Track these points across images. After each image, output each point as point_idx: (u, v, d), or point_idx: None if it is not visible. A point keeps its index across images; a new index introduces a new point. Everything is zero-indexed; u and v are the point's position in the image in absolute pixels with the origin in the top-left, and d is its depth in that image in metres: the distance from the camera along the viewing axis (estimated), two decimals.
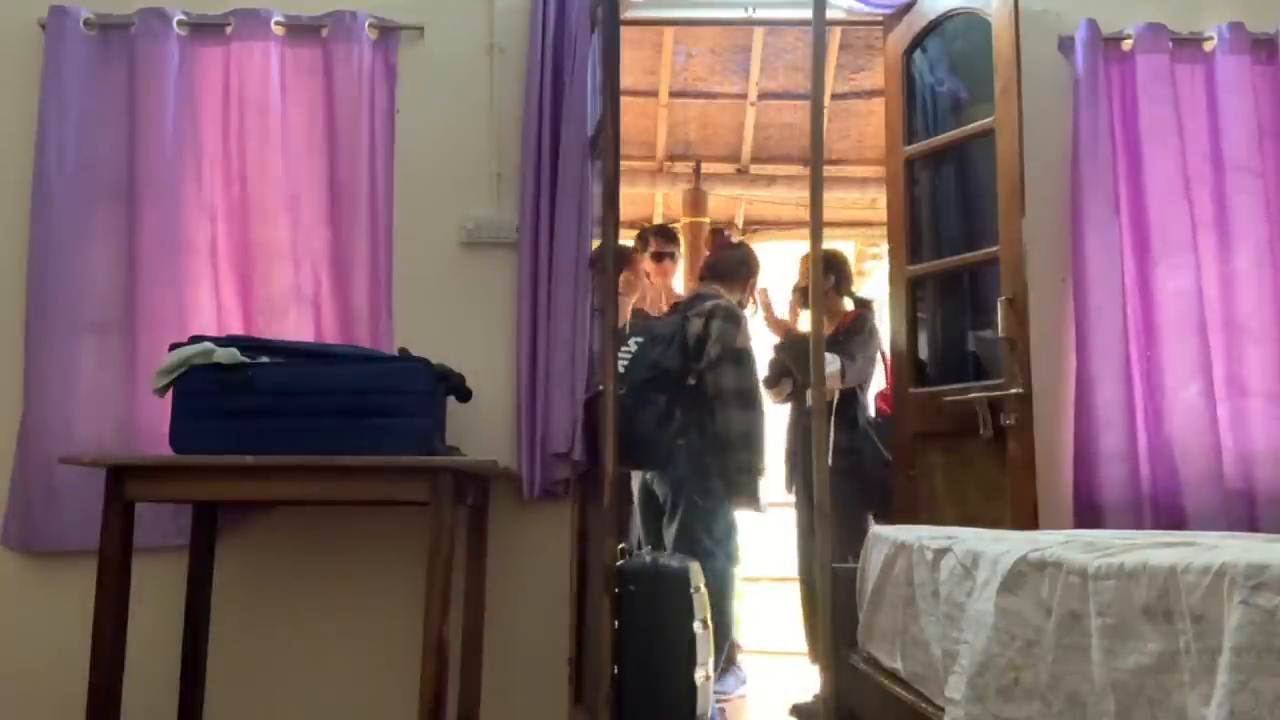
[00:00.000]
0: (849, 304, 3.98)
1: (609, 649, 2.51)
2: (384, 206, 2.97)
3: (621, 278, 3.63)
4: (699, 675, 2.67)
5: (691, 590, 2.72)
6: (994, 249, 2.85)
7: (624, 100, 3.36)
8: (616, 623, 2.57)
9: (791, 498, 3.93)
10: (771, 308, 3.94)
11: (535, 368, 2.85)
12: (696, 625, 2.70)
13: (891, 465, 3.56)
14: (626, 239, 4.17)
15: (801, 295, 3.90)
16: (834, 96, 5.56)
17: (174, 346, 2.53)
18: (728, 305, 3.53)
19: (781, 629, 4.09)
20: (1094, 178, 2.98)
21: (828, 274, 3.74)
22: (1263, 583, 1.07)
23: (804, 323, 4.00)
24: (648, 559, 2.77)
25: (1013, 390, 2.73)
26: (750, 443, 3.34)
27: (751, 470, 3.35)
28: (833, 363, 3.58)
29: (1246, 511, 2.87)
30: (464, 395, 2.70)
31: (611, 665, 2.53)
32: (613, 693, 2.53)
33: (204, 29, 2.99)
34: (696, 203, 5.97)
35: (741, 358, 3.41)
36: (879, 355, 3.82)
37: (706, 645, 2.74)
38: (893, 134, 3.28)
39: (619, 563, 2.69)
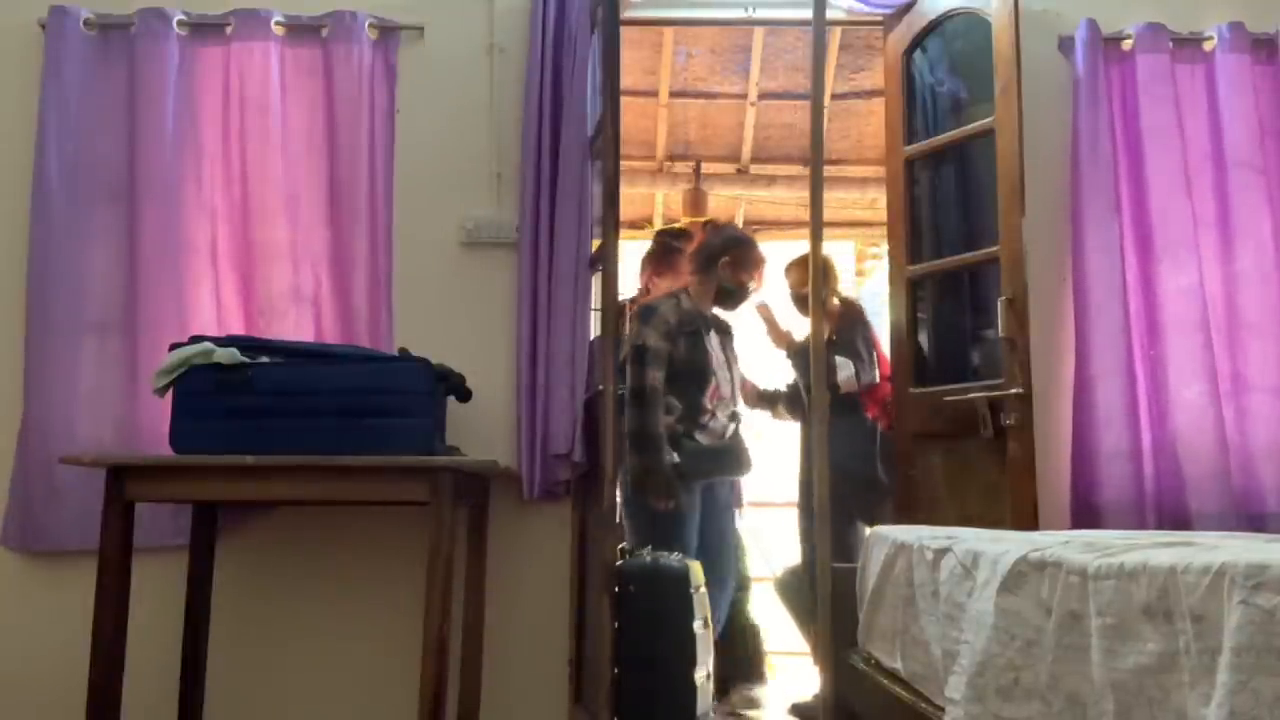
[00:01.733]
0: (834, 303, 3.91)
1: (609, 649, 2.51)
2: (384, 206, 2.97)
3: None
4: (699, 675, 2.67)
5: (691, 590, 2.72)
6: (994, 249, 2.86)
7: (624, 100, 3.34)
8: (616, 623, 2.57)
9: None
10: (775, 321, 3.83)
11: (535, 368, 2.85)
12: (697, 625, 2.70)
13: (854, 475, 3.41)
14: (630, 238, 4.11)
15: (800, 304, 3.78)
16: (834, 96, 5.55)
17: (174, 346, 2.53)
18: (646, 303, 3.43)
19: (782, 629, 4.09)
20: (1094, 177, 2.98)
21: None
22: (1263, 583, 1.07)
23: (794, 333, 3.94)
24: (647, 559, 2.77)
25: (1013, 390, 2.73)
26: (640, 442, 3.12)
27: (649, 470, 3.15)
28: (845, 366, 3.52)
29: (1252, 510, 2.87)
30: (464, 395, 2.70)
31: (611, 665, 2.53)
32: (613, 692, 2.53)
33: (204, 29, 2.99)
34: (696, 203, 5.96)
35: (637, 355, 3.22)
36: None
37: (706, 645, 2.74)
38: (893, 134, 3.28)
39: (619, 563, 2.69)
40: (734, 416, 3.40)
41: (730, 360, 3.46)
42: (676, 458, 3.20)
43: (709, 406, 3.29)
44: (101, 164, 2.93)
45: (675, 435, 3.23)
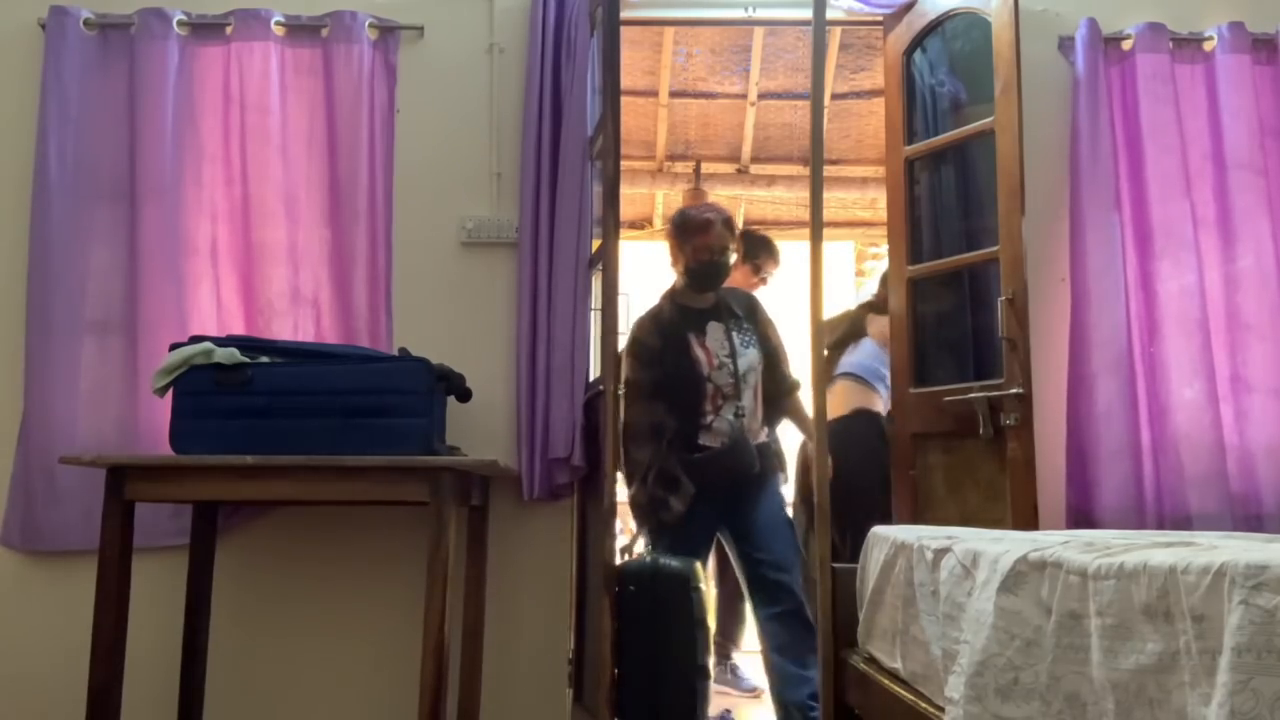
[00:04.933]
0: None
1: (609, 649, 2.51)
2: (384, 206, 2.97)
3: None
4: (699, 675, 2.67)
5: (692, 590, 2.71)
6: (994, 249, 2.86)
7: (624, 100, 3.35)
8: (617, 623, 2.57)
9: None
10: None
11: (535, 369, 2.85)
12: (697, 625, 2.69)
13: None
14: (630, 238, 4.07)
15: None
16: (834, 96, 5.55)
17: (174, 346, 2.53)
18: (634, 331, 3.20)
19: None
20: (1094, 177, 2.98)
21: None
22: (1263, 582, 1.07)
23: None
24: (648, 559, 2.76)
25: (1013, 390, 2.73)
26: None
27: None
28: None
29: (1251, 510, 2.87)
30: (464, 395, 2.70)
31: (612, 665, 2.53)
32: (613, 693, 2.53)
33: (204, 29, 2.99)
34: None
35: (627, 389, 3.03)
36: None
37: (707, 645, 2.74)
38: (893, 134, 3.28)
39: (620, 563, 2.69)
40: (739, 412, 3.06)
41: (737, 347, 3.12)
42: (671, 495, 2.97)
43: (708, 409, 3.06)
44: (101, 164, 2.93)
45: (671, 461, 2.98)
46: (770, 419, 3.21)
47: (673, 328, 3.13)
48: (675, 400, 3.05)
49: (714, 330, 3.15)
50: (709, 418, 3.06)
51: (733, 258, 3.24)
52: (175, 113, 2.93)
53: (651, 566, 2.72)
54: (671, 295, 3.23)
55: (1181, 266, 2.96)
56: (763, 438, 3.15)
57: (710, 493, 3.01)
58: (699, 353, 3.10)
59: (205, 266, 2.91)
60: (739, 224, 6.13)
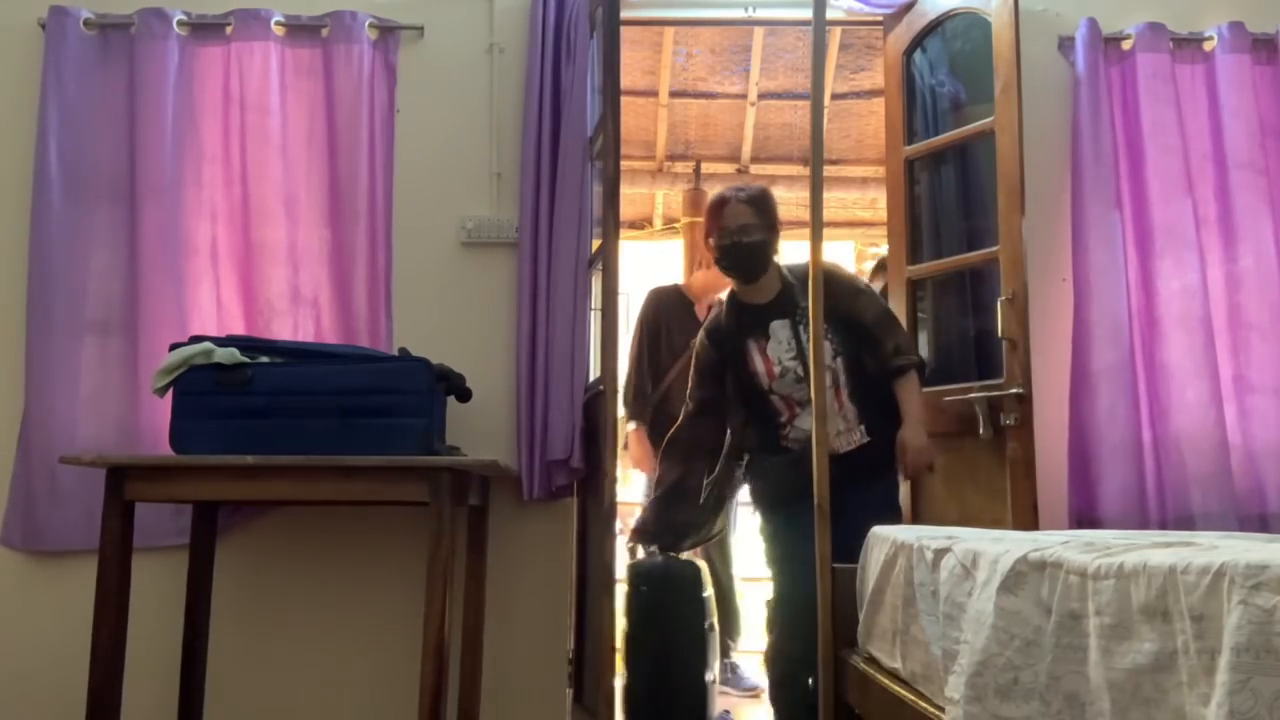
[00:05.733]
0: None
1: (609, 649, 2.51)
2: (384, 206, 2.97)
3: None
4: (708, 677, 2.67)
5: (702, 592, 2.71)
6: (994, 249, 2.86)
7: (624, 100, 3.34)
8: (627, 623, 2.56)
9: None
10: None
11: (535, 369, 2.85)
12: (706, 627, 2.69)
13: None
14: (630, 238, 4.07)
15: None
16: (834, 96, 5.56)
17: (174, 346, 2.53)
18: (698, 343, 2.94)
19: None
20: (1094, 177, 2.98)
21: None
22: (1262, 582, 1.07)
23: None
24: (658, 559, 2.76)
25: (1013, 390, 2.73)
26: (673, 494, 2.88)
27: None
28: None
29: (1255, 509, 2.87)
30: (464, 395, 2.70)
31: (612, 666, 2.53)
32: (623, 694, 2.52)
33: (204, 29, 2.99)
34: (696, 203, 5.97)
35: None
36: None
37: (715, 647, 2.74)
38: (893, 134, 3.28)
39: (631, 562, 2.69)
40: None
41: (804, 344, 2.65)
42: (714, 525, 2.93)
43: (784, 419, 2.74)
44: (101, 164, 2.93)
45: (750, 464, 2.84)
46: (879, 410, 2.73)
47: (729, 336, 2.80)
48: (747, 413, 2.81)
49: (778, 331, 2.75)
50: (786, 429, 2.74)
51: (764, 235, 2.76)
52: (175, 113, 2.93)
53: (663, 566, 2.71)
54: (731, 295, 2.89)
55: (1183, 265, 2.96)
56: (856, 439, 2.70)
57: (798, 499, 2.44)
58: (758, 364, 2.74)
59: (205, 266, 2.92)
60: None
